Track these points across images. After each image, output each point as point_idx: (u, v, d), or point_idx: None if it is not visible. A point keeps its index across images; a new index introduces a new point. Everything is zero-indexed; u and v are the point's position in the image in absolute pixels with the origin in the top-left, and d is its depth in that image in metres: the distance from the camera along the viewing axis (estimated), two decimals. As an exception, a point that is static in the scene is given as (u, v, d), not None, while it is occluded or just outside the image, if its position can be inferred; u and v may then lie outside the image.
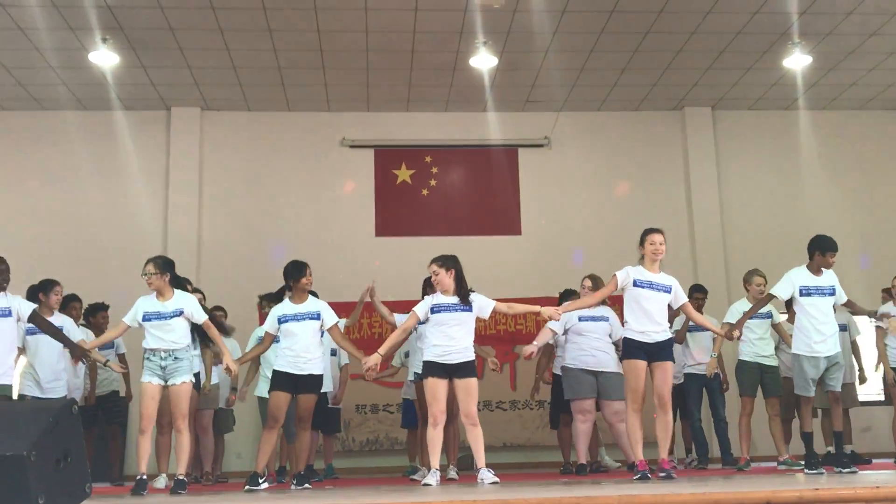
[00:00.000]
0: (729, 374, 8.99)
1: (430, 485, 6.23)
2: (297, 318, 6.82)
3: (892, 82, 11.69)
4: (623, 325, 6.68)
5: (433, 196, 12.27)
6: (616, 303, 7.72)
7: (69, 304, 8.36)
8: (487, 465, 6.45)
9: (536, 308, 6.93)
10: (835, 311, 7.05)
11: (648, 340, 6.40)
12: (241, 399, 8.75)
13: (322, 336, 7.02)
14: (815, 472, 6.49)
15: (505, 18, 9.68)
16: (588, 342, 7.79)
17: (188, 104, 11.84)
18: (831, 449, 8.74)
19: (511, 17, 9.65)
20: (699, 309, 8.66)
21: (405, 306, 9.90)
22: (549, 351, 8.47)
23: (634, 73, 11.25)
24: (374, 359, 6.61)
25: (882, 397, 9.38)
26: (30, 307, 6.91)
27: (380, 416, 11.14)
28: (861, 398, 9.26)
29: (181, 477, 6.46)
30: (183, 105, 11.86)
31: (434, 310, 6.62)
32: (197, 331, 6.84)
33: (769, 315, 7.91)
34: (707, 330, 7.82)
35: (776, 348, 8.39)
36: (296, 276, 6.89)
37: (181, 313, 6.61)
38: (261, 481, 6.62)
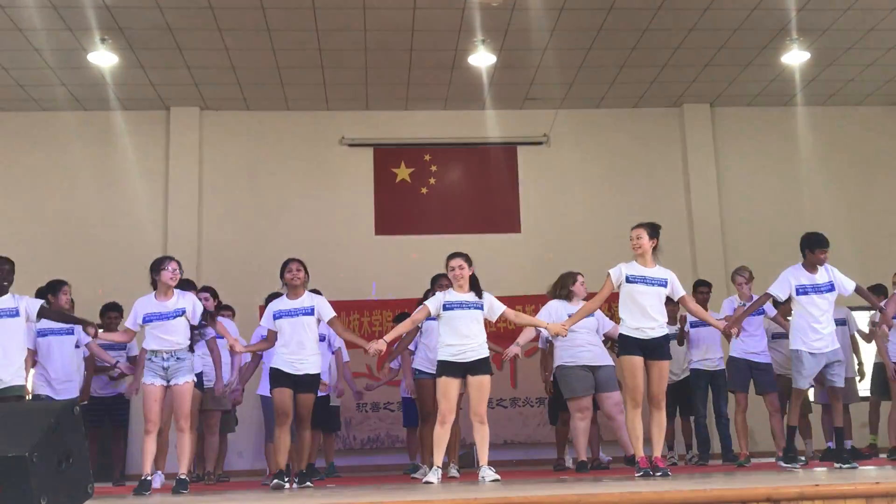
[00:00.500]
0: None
1: (431, 482, 6.24)
2: (290, 314, 6.76)
3: (890, 78, 11.69)
4: (618, 321, 6.66)
5: (432, 194, 12.27)
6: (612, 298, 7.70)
7: (107, 314, 8.76)
8: (489, 463, 6.46)
9: (543, 323, 7.01)
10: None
11: (644, 337, 6.36)
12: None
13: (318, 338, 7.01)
14: (791, 465, 6.47)
15: (503, 16, 9.69)
16: (580, 338, 7.78)
17: (187, 104, 11.84)
18: (831, 444, 8.77)
19: (509, 14, 9.65)
20: (703, 303, 8.68)
21: (404, 305, 9.95)
22: (552, 349, 8.49)
23: (633, 70, 11.25)
24: (379, 344, 6.60)
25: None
26: (37, 303, 6.91)
27: (381, 415, 11.14)
28: (861, 393, 9.27)
29: (183, 476, 6.47)
30: (182, 105, 11.86)
31: (447, 307, 6.61)
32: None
33: (761, 311, 7.89)
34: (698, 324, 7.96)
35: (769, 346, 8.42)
36: (281, 273, 6.89)
37: (182, 313, 6.61)
38: (286, 479, 6.58)
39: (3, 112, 11.75)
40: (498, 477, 6.29)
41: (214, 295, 8.59)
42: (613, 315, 7.77)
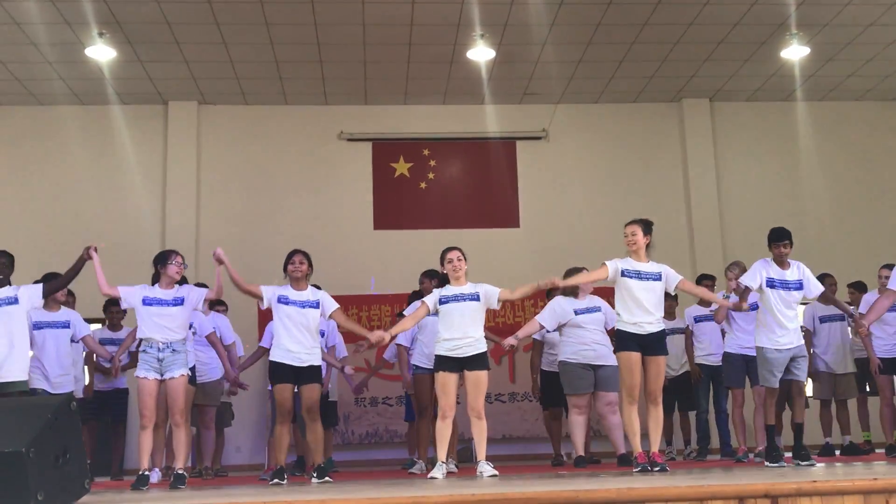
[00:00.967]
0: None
1: (436, 478, 6.24)
2: (296, 304, 6.70)
3: (889, 73, 11.68)
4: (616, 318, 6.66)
5: (431, 189, 12.27)
6: (608, 295, 7.70)
7: (110, 309, 8.60)
8: (487, 458, 6.46)
9: (535, 283, 6.91)
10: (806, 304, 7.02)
11: (641, 332, 6.36)
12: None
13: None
14: (776, 465, 6.44)
15: (502, 11, 9.67)
16: (588, 335, 7.82)
17: (185, 98, 11.83)
18: (829, 440, 8.77)
19: (508, 9, 9.63)
20: None
21: (403, 299, 9.95)
22: (540, 349, 8.50)
23: (632, 65, 11.24)
24: (380, 334, 6.70)
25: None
26: (38, 287, 6.92)
27: (379, 409, 11.15)
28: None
29: (180, 471, 6.45)
30: (180, 99, 11.85)
31: (442, 300, 6.62)
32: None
33: (755, 307, 7.84)
34: (715, 320, 8.10)
35: None
36: (284, 265, 6.87)
37: (182, 302, 6.57)
38: (285, 477, 6.55)
39: (0, 106, 11.73)
40: (496, 472, 6.28)
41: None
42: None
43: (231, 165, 12.01)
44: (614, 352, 6.58)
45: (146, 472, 6.37)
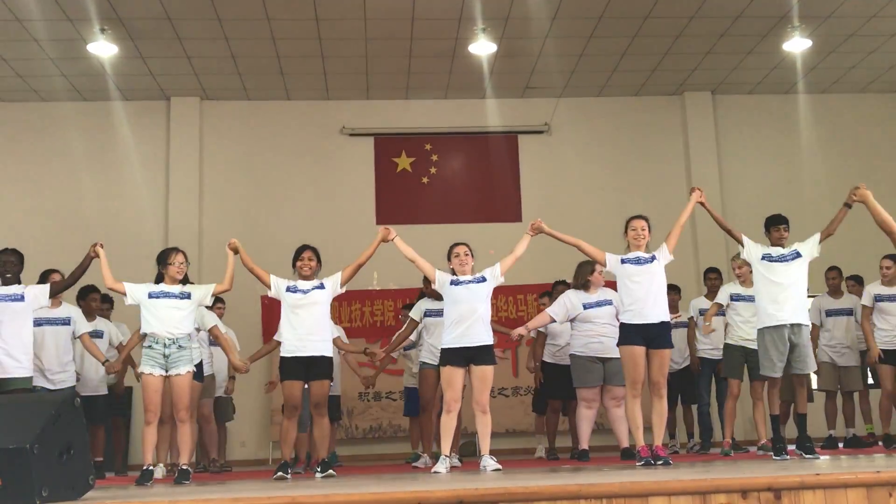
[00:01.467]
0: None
1: (440, 472, 6.24)
2: (305, 291, 6.65)
3: (892, 65, 11.66)
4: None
5: (433, 184, 12.26)
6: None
7: (88, 296, 8.12)
8: (490, 452, 6.47)
9: (526, 237, 6.98)
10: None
11: (645, 322, 6.36)
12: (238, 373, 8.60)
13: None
14: (782, 457, 6.42)
15: (503, 4, 9.66)
16: (596, 328, 7.82)
17: (187, 94, 11.83)
18: (832, 433, 8.77)
19: (510, 2, 9.62)
20: (714, 290, 8.68)
21: (405, 294, 9.97)
22: (543, 340, 8.50)
23: (634, 59, 11.22)
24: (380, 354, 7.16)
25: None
26: (45, 287, 6.95)
27: (382, 404, 11.17)
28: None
29: (185, 467, 6.46)
30: (182, 95, 11.85)
31: (453, 283, 6.63)
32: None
33: (754, 298, 7.82)
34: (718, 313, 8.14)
35: None
36: (293, 260, 6.84)
37: (189, 296, 6.57)
38: (289, 469, 6.55)
39: (2, 103, 11.75)
40: (499, 466, 6.29)
41: None
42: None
43: (233, 161, 12.02)
44: (618, 345, 6.58)
45: (151, 468, 6.39)
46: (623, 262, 6.50)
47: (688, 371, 9.09)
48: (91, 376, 8.01)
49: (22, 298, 6.82)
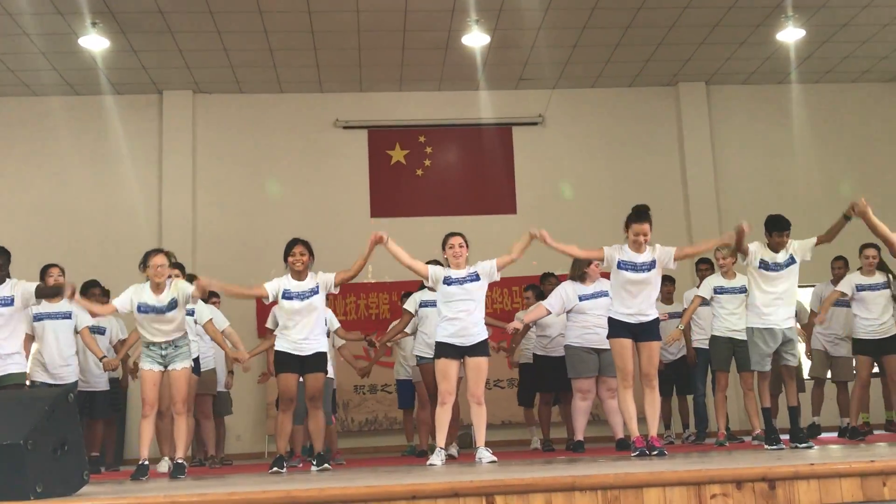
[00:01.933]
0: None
1: (435, 464, 6.24)
2: (299, 296, 6.62)
3: (885, 54, 11.66)
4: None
5: (428, 176, 12.25)
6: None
7: (89, 290, 8.16)
8: (486, 444, 6.47)
9: (526, 235, 6.83)
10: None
11: (633, 322, 6.41)
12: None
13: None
14: (775, 447, 6.43)
15: (496, -4, 9.63)
16: (591, 320, 7.82)
17: (180, 87, 11.80)
18: (816, 419, 8.80)
19: (503, -6, 9.60)
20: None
21: (401, 287, 9.95)
22: (526, 332, 8.46)
23: (628, 49, 11.21)
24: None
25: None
26: (32, 285, 6.90)
27: (378, 397, 11.17)
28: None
29: (180, 461, 6.46)
30: (174, 88, 11.82)
31: (447, 281, 6.61)
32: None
33: (743, 290, 7.81)
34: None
35: None
36: (284, 254, 6.76)
37: (175, 305, 6.51)
38: (284, 463, 6.55)
39: (-6, 97, 11.70)
40: (494, 458, 6.30)
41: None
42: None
43: (226, 154, 11.99)
44: (607, 337, 6.58)
45: (146, 462, 6.38)
46: (620, 266, 6.45)
47: (683, 362, 9.09)
48: (93, 371, 8.01)
49: (11, 303, 6.80)
